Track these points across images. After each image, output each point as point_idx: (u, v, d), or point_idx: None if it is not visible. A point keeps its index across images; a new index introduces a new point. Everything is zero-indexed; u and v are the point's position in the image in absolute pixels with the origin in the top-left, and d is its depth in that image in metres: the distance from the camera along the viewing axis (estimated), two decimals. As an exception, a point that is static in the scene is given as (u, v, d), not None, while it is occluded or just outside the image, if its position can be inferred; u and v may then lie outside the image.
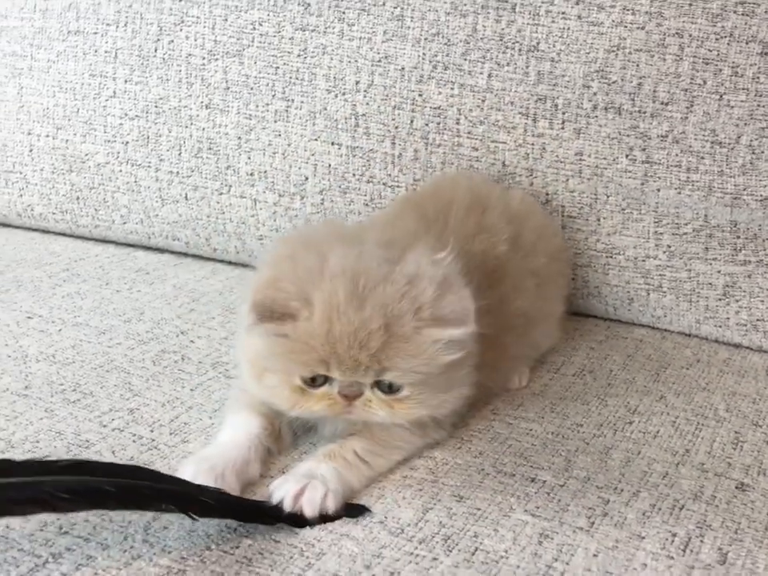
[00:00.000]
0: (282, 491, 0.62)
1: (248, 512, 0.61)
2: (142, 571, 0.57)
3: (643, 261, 0.95)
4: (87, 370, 0.83)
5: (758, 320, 0.94)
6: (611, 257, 0.96)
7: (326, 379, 0.65)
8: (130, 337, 0.90)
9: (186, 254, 1.13)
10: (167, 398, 0.78)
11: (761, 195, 0.91)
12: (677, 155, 0.92)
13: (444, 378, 0.66)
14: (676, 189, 0.93)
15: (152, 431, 0.73)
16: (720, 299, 0.95)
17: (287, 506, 0.61)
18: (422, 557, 0.60)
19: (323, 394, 0.65)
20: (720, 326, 0.96)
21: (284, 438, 0.71)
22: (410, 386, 0.65)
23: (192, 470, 0.63)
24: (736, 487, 0.70)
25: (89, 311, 0.95)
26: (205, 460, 0.65)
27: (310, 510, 0.61)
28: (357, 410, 0.65)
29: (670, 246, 0.94)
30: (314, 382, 0.65)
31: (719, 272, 0.94)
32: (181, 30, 1.04)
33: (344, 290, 0.63)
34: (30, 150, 1.14)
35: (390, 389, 0.65)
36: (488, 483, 0.68)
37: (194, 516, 0.58)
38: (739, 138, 0.91)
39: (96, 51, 1.09)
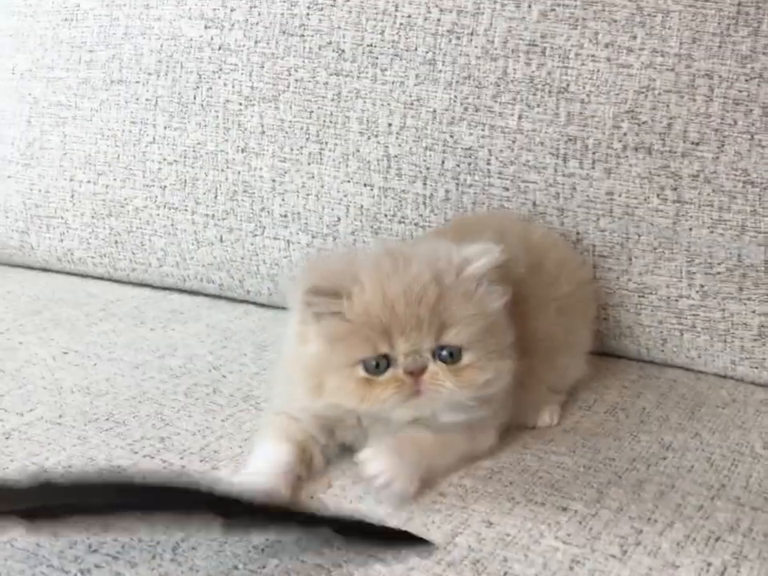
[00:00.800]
0: (376, 466, 0.65)
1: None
2: (169, 588, 0.57)
3: (676, 300, 0.95)
4: (120, 401, 0.84)
5: (794, 361, 0.93)
6: (643, 296, 0.95)
7: (389, 364, 0.66)
8: (162, 371, 0.91)
9: (219, 297, 1.14)
10: (198, 428, 0.79)
11: (794, 234, 0.91)
12: (708, 195, 0.92)
13: (495, 341, 0.68)
14: (708, 228, 0.93)
15: (182, 458, 0.73)
16: (755, 339, 0.94)
17: (378, 484, 0.64)
18: (450, 579, 0.59)
19: (389, 379, 0.66)
20: (756, 367, 0.95)
21: (315, 464, 0.71)
22: (468, 352, 0.66)
23: None
24: (773, 521, 0.68)
25: (123, 347, 0.96)
26: None
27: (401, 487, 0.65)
28: (425, 386, 0.66)
29: (703, 286, 0.94)
30: (377, 368, 0.66)
31: (754, 312, 0.93)
32: (219, 77, 1.07)
33: (387, 260, 0.67)
34: (72, 196, 1.17)
35: (451, 357, 0.66)
36: (518, 511, 0.67)
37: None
38: (771, 177, 0.91)
39: (137, 99, 1.12)
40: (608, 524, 0.66)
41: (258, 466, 0.69)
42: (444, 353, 0.66)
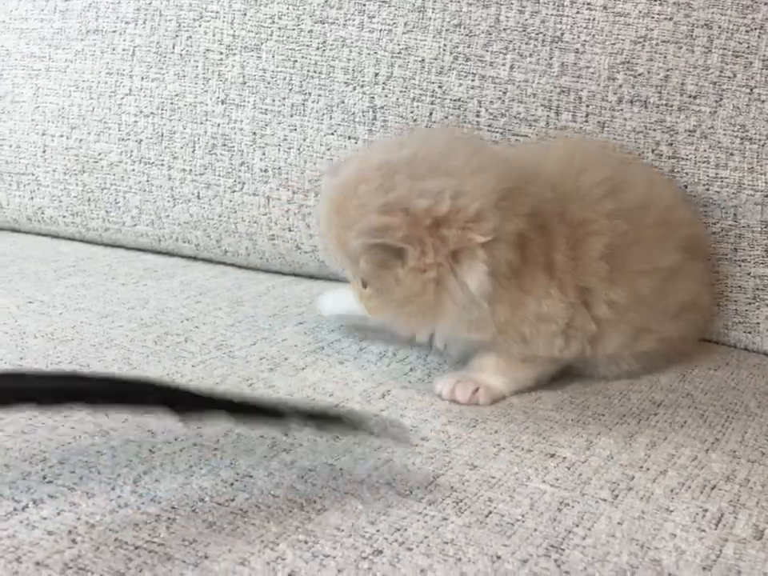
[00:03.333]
0: (441, 384, 0.73)
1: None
2: (128, 518, 0.53)
3: (669, 261, 0.91)
4: (85, 346, 0.79)
5: (789, 326, 0.90)
6: (635, 256, 0.92)
7: None
8: (132, 321, 0.86)
9: (196, 258, 1.10)
10: (167, 373, 0.75)
11: (792, 194, 0.88)
12: (705, 151, 0.89)
13: (391, 294, 0.70)
14: (704, 185, 0.89)
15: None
16: (750, 303, 0.91)
17: (445, 395, 0.72)
18: (431, 516, 0.55)
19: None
20: (750, 332, 0.91)
21: None
22: (370, 287, 0.72)
23: None
24: (771, 473, 0.65)
25: (92, 299, 0.92)
26: None
27: (461, 397, 0.71)
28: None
29: (696, 247, 0.90)
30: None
31: (749, 274, 0.90)
32: (199, 25, 1.03)
33: (349, 174, 0.71)
34: (44, 151, 1.13)
35: (362, 283, 0.72)
36: (503, 456, 0.64)
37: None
38: (769, 134, 0.88)
39: (114, 50, 1.08)
40: (598, 470, 0.63)
41: None
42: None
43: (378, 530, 0.53)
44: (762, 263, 0.90)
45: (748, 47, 0.87)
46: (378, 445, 0.64)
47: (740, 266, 0.90)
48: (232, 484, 0.57)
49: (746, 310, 0.91)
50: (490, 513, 0.56)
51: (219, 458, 0.60)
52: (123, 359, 0.77)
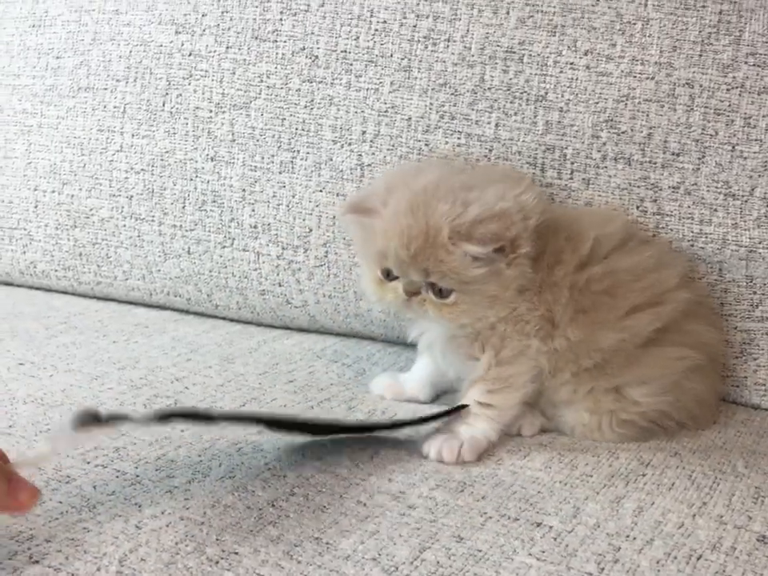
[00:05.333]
0: (428, 446, 0.75)
1: None
2: None
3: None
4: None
5: (776, 379, 0.91)
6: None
7: (396, 276, 0.78)
8: (122, 383, 0.87)
9: (187, 311, 1.10)
10: (155, 438, 0.75)
11: (776, 249, 0.88)
12: (689, 207, 0.90)
13: (486, 296, 0.76)
14: (689, 241, 0.90)
15: (137, 467, 0.69)
16: (737, 357, 0.91)
17: (432, 457, 0.74)
18: (416, 595, 0.55)
19: (392, 288, 0.78)
20: (737, 386, 0.92)
21: None
22: (456, 293, 0.76)
23: None
24: (757, 539, 0.65)
25: (83, 359, 0.92)
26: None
27: (448, 457, 0.74)
28: (413, 305, 0.78)
29: (683, 301, 0.91)
30: (388, 275, 0.78)
31: (735, 328, 0.91)
32: (189, 83, 1.04)
33: (407, 200, 0.76)
34: (36, 207, 1.13)
35: (441, 294, 0.76)
36: (490, 526, 0.64)
37: None
38: (753, 189, 0.89)
39: (105, 107, 1.09)
40: (584, 540, 0.63)
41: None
42: (435, 287, 0.77)
43: (362, 611, 0.53)
44: (749, 317, 0.90)
45: (729, 105, 0.88)
46: (365, 515, 0.64)
47: (726, 320, 0.91)
48: (217, 562, 0.57)
49: (734, 364, 0.91)
50: (476, 590, 0.56)
51: (206, 534, 0.60)
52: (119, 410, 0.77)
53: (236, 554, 0.58)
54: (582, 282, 0.78)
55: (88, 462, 0.70)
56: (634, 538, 0.63)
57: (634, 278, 0.79)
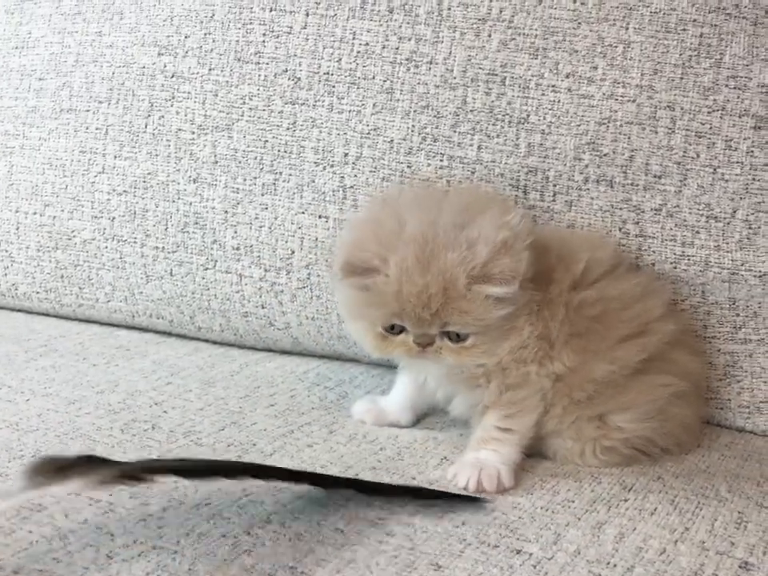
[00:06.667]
0: (464, 478, 0.73)
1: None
2: None
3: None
4: (50, 437, 0.79)
5: (761, 402, 0.90)
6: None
7: (403, 328, 0.75)
8: (99, 407, 0.86)
9: (170, 333, 1.10)
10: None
11: (759, 271, 0.88)
12: (671, 229, 0.90)
13: (503, 329, 0.75)
14: (671, 263, 0.90)
15: (111, 495, 0.68)
16: (720, 380, 0.91)
17: (471, 489, 0.72)
18: (391, 626, 0.54)
19: (401, 341, 0.76)
20: (721, 408, 0.91)
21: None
22: (474, 335, 0.75)
23: None
24: (740, 566, 0.64)
25: (61, 383, 0.91)
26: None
27: (490, 487, 0.72)
28: (429, 355, 0.76)
29: (666, 324, 0.90)
30: (392, 329, 0.76)
31: (719, 351, 0.90)
32: (171, 105, 1.04)
33: (413, 255, 0.74)
34: (17, 228, 1.13)
35: (458, 337, 0.75)
36: (469, 553, 0.63)
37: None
38: (735, 212, 0.88)
39: (87, 128, 1.09)
40: (564, 568, 0.62)
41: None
42: (452, 333, 0.75)
43: (336, 643, 0.52)
44: (731, 339, 0.90)
45: (710, 128, 0.88)
46: (342, 542, 0.63)
47: (709, 342, 0.90)
48: None
49: (717, 387, 0.91)
50: (452, 620, 0.55)
51: (178, 563, 0.59)
52: (88, 451, 0.76)
53: (209, 583, 0.57)
54: (575, 302, 0.78)
55: (62, 489, 0.69)
56: (615, 565, 0.63)
57: (623, 306, 0.79)
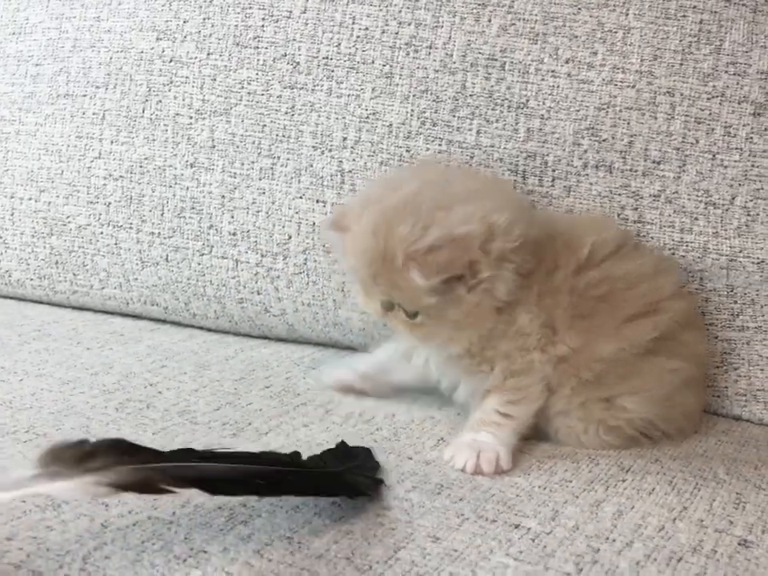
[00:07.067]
0: (461, 459, 0.72)
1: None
2: (74, 598, 0.51)
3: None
4: (44, 414, 0.78)
5: (758, 390, 0.90)
6: (603, 320, 0.92)
7: None
8: (94, 387, 0.85)
9: (164, 321, 1.09)
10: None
11: (757, 258, 0.88)
12: (670, 215, 0.90)
13: (449, 320, 0.74)
14: (670, 250, 0.90)
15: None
16: (718, 367, 0.90)
17: (470, 469, 0.71)
18: (389, 593, 0.54)
19: (369, 300, 0.77)
20: (718, 396, 0.91)
21: None
22: (421, 315, 0.74)
23: None
24: (739, 543, 0.64)
25: (54, 364, 0.90)
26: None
27: (488, 469, 0.72)
28: (389, 321, 0.77)
29: (664, 310, 0.90)
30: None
31: (716, 338, 0.90)
32: (169, 90, 1.04)
33: (373, 219, 0.74)
34: (12, 214, 1.12)
35: (407, 313, 0.75)
36: (467, 527, 0.62)
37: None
38: (734, 198, 0.88)
39: (84, 113, 1.08)
40: (563, 542, 0.61)
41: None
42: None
43: (333, 608, 0.52)
44: (729, 327, 0.90)
45: (710, 114, 0.88)
46: (340, 515, 0.62)
47: (707, 329, 0.90)
48: (185, 560, 0.55)
49: (714, 374, 0.90)
50: (451, 589, 0.54)
51: (174, 532, 0.58)
52: (82, 427, 0.75)
53: (204, 552, 0.57)
54: (581, 286, 0.77)
55: (56, 462, 0.68)
56: (614, 540, 0.62)
57: (630, 285, 0.79)
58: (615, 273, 0.79)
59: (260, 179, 1.00)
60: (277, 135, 0.99)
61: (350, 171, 0.96)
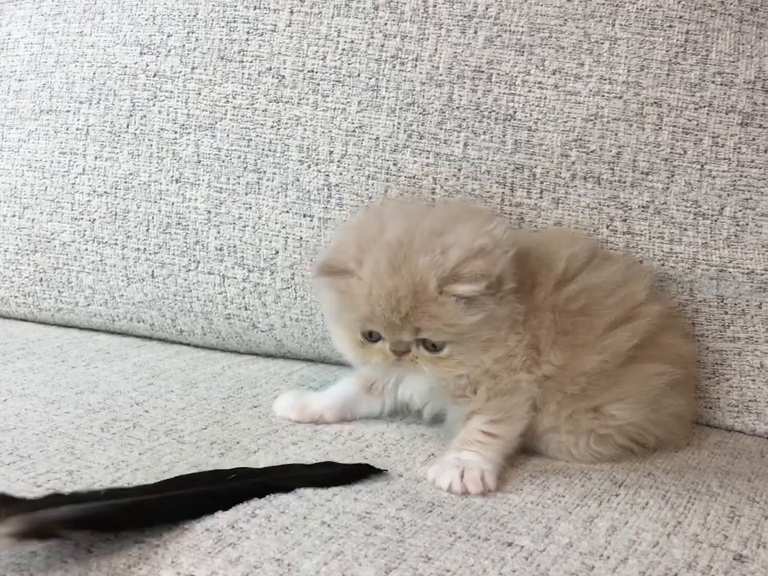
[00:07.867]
0: (446, 479, 0.70)
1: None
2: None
3: (627, 337, 0.90)
4: (28, 435, 0.77)
5: (750, 401, 0.89)
6: (593, 332, 0.91)
7: (381, 336, 0.74)
8: (79, 406, 0.84)
9: (150, 338, 1.08)
10: (111, 461, 0.72)
11: (747, 268, 0.88)
12: (659, 226, 0.89)
13: (482, 341, 0.74)
14: (659, 261, 0.89)
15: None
16: (709, 378, 0.90)
17: (455, 489, 0.70)
18: (381, 616, 0.52)
19: (378, 349, 0.75)
20: (710, 407, 0.90)
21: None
22: (450, 345, 0.73)
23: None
24: (734, 558, 0.63)
25: (39, 384, 0.89)
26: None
27: (474, 488, 0.70)
28: (405, 363, 0.75)
29: (654, 322, 0.89)
30: (371, 336, 0.75)
31: (707, 349, 0.90)
32: (154, 104, 1.03)
33: (386, 258, 0.73)
34: (-5, 232, 1.11)
35: (435, 347, 0.74)
36: (459, 546, 0.61)
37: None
38: (722, 209, 0.88)
39: (68, 129, 1.07)
40: (557, 560, 0.61)
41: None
42: (428, 342, 0.74)
43: (324, 633, 0.50)
44: (720, 338, 0.89)
45: (697, 124, 0.88)
46: (329, 535, 0.61)
47: (698, 340, 0.90)
48: None
49: (706, 385, 0.90)
50: (443, 610, 0.53)
51: (161, 557, 0.57)
52: (66, 449, 0.74)
53: (192, 575, 0.55)
54: (561, 301, 0.77)
55: (39, 486, 0.67)
56: (608, 557, 0.61)
57: (605, 293, 0.78)
58: (591, 283, 0.78)
59: (246, 194, 0.99)
60: (263, 149, 0.98)
61: (336, 185, 0.96)
